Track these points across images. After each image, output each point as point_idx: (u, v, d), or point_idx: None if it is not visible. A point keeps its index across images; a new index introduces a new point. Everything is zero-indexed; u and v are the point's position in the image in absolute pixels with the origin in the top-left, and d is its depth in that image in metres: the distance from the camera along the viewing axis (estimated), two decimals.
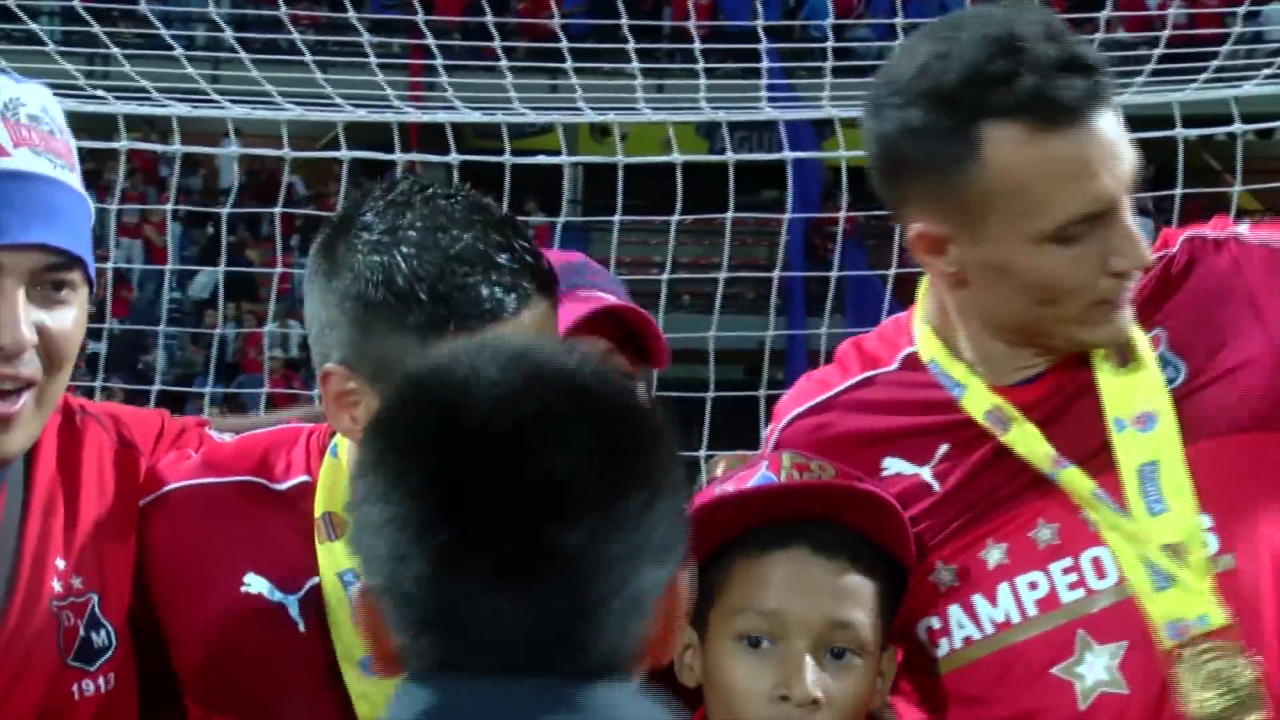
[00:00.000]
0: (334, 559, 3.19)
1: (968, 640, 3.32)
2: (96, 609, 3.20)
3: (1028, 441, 3.32)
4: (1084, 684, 3.21)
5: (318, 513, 3.23)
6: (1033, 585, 3.28)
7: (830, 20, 13.21)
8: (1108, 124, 3.13)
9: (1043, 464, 3.29)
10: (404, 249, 2.96)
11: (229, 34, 11.59)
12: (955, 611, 3.32)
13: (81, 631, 3.16)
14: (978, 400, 3.36)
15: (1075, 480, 3.30)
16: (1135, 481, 3.29)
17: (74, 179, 3.22)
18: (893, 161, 3.18)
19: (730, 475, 3.37)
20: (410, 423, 2.04)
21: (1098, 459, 3.30)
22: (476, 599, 1.96)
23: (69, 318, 3.09)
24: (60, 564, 3.18)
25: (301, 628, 3.16)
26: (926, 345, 3.41)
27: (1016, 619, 3.31)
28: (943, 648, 3.28)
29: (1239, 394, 3.25)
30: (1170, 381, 3.36)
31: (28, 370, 3.03)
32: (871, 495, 3.20)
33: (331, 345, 2.99)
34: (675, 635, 2.09)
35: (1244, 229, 3.50)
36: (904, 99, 3.11)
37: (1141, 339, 3.38)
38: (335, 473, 3.22)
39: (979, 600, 3.33)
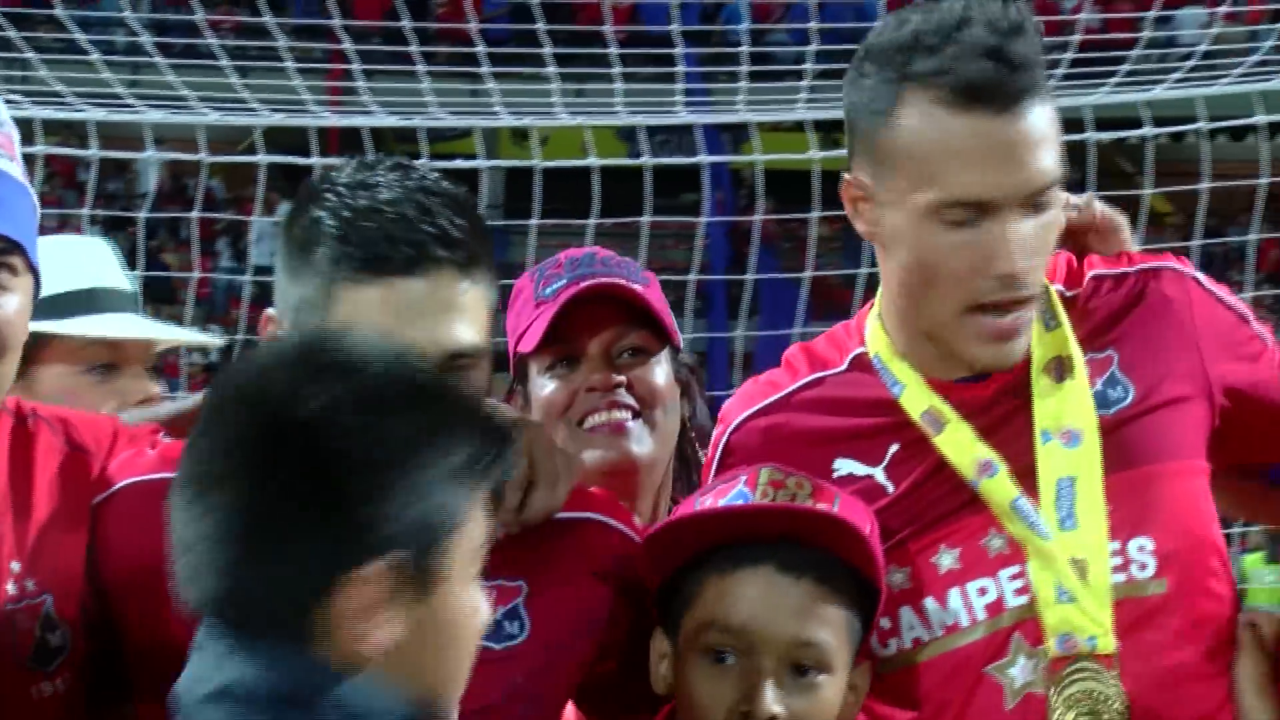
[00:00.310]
0: None
1: (916, 641, 3.36)
2: (51, 610, 3.22)
3: (957, 446, 3.37)
4: (1013, 685, 3.25)
5: None
6: (982, 591, 3.33)
7: (747, 25, 13.31)
8: (1022, 124, 3.17)
9: (967, 471, 3.34)
10: (332, 199, 3.04)
11: (147, 39, 11.50)
12: (906, 613, 3.35)
13: (37, 633, 3.18)
14: (915, 400, 3.41)
15: (995, 490, 3.32)
16: (1052, 494, 3.35)
17: (14, 169, 3.24)
18: (846, 110, 3.32)
19: (710, 488, 3.39)
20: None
21: (1032, 472, 3.36)
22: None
23: (10, 304, 3.13)
24: (15, 567, 3.20)
25: None
26: (874, 340, 3.45)
27: (965, 623, 3.35)
28: (891, 647, 3.33)
29: (1184, 423, 3.30)
30: (1119, 402, 3.41)
31: None
32: (838, 521, 3.19)
33: (275, 294, 3.12)
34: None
35: (1202, 276, 3.56)
36: (863, 52, 3.22)
37: (1079, 359, 3.44)
38: None
39: (930, 603, 3.37)
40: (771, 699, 3.06)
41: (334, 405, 2.42)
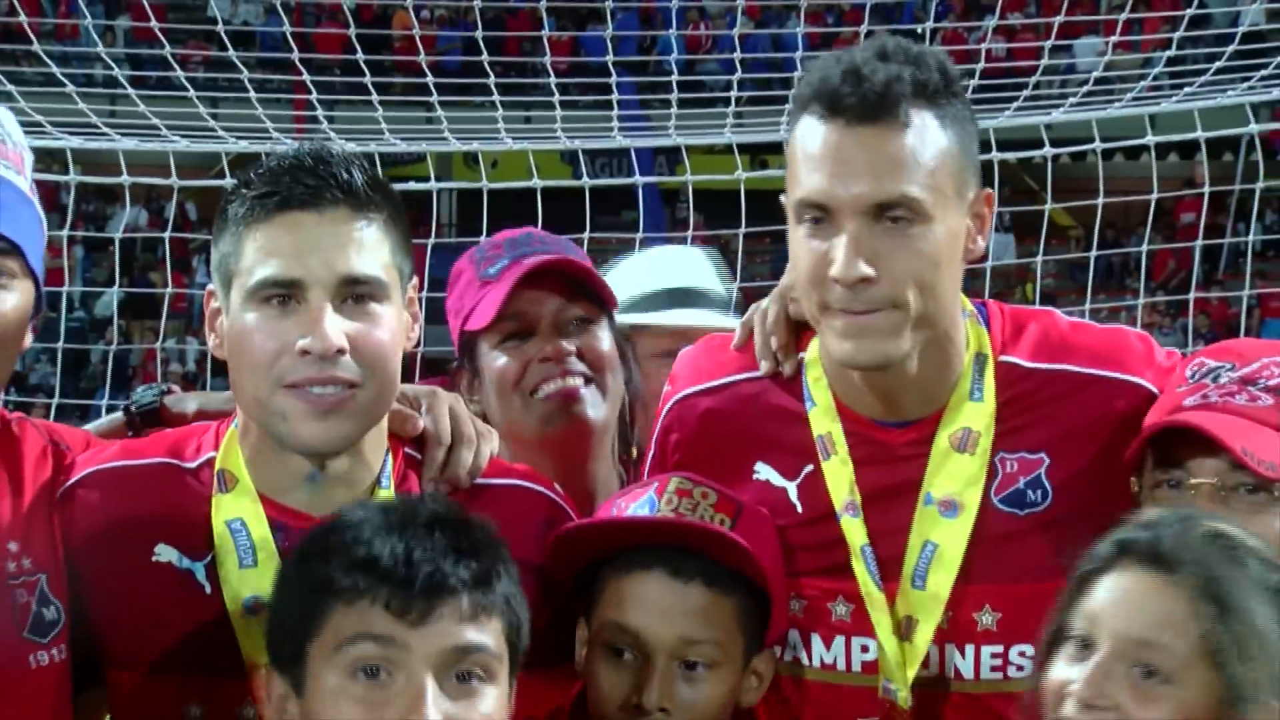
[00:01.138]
0: (223, 509, 3.33)
1: (796, 660, 3.48)
2: (45, 587, 3.32)
3: (835, 477, 3.43)
4: None
5: (215, 469, 3.37)
6: (864, 649, 3.42)
7: (678, 55, 13.46)
8: (875, 140, 3.16)
9: (836, 503, 3.41)
10: (256, 172, 3.24)
11: (121, 72, 11.60)
12: (794, 635, 3.46)
13: (34, 607, 3.28)
14: (818, 420, 3.46)
15: (851, 530, 3.39)
16: (915, 554, 3.39)
17: (20, 181, 3.36)
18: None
19: (625, 492, 3.51)
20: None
21: (906, 526, 3.39)
22: None
23: (9, 303, 3.23)
24: (13, 546, 3.29)
25: (208, 589, 3.29)
26: (813, 350, 3.48)
27: (841, 668, 3.45)
28: (778, 652, 3.44)
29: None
30: (1034, 506, 3.41)
31: None
32: (724, 539, 3.27)
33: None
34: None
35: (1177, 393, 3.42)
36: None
37: (988, 438, 3.41)
38: (232, 438, 3.37)
39: (816, 640, 3.47)
40: (658, 695, 3.22)
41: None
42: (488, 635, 2.86)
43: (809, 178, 3.22)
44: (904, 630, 3.43)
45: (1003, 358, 3.47)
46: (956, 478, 3.41)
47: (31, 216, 3.39)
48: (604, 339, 4.10)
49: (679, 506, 3.35)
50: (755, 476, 3.51)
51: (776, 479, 3.53)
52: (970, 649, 3.40)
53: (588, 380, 4.04)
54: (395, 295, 3.29)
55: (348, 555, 2.88)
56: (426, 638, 2.82)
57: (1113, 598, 3.04)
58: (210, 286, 3.29)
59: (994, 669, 3.41)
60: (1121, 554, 3.06)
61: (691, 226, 11.53)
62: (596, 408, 4.07)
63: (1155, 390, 3.44)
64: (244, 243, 3.19)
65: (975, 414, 3.42)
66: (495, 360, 3.96)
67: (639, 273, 4.97)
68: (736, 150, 11.05)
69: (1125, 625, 3.00)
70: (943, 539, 3.39)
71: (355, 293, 3.21)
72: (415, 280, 3.45)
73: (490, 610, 2.88)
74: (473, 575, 2.87)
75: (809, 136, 3.23)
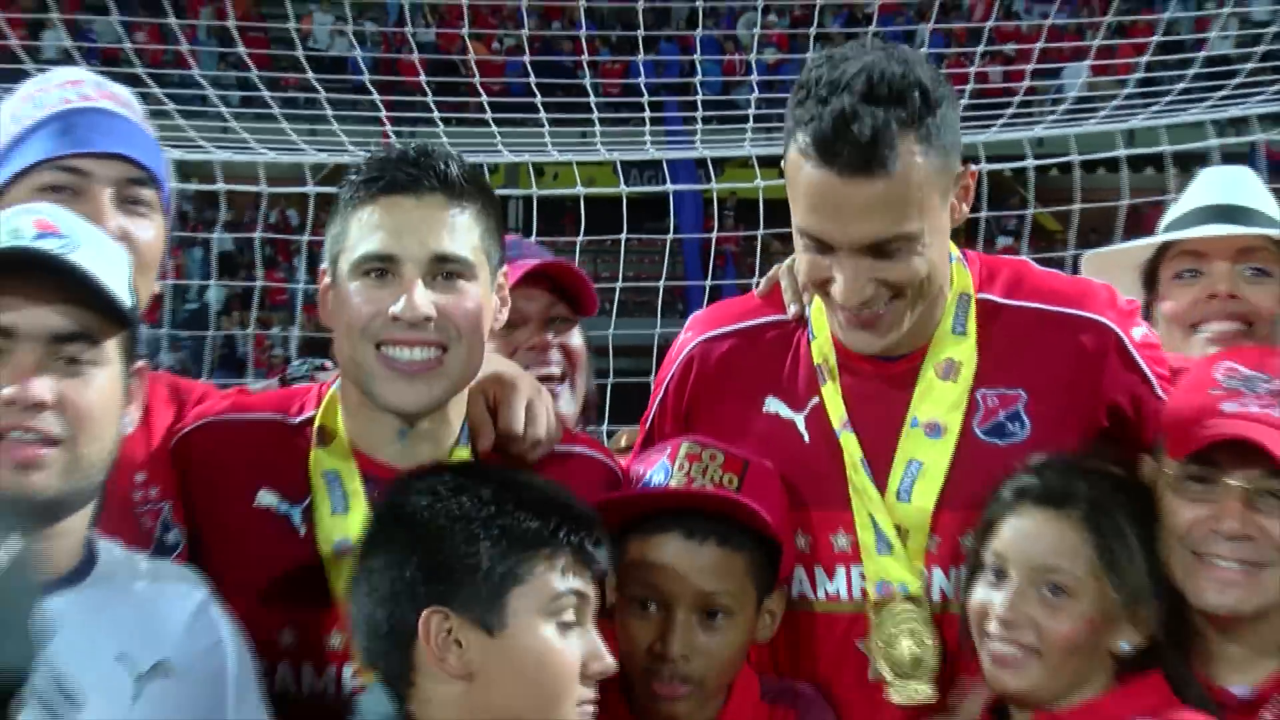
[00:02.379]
0: (321, 461, 3.41)
1: (803, 596, 3.49)
2: (168, 515, 3.43)
3: (833, 400, 3.49)
4: (874, 658, 3.41)
5: (315, 425, 3.42)
6: (864, 576, 3.45)
7: (719, 78, 14.07)
8: (862, 188, 3.15)
9: (835, 421, 3.47)
10: (365, 162, 3.38)
11: (242, 93, 12.03)
12: (800, 572, 3.46)
13: (158, 533, 3.39)
14: (819, 349, 3.51)
15: (849, 444, 3.44)
16: (900, 470, 3.44)
17: (149, 129, 3.53)
18: None
19: (643, 458, 3.53)
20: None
21: (893, 446, 3.44)
22: None
23: (150, 232, 3.38)
24: (140, 478, 3.39)
25: (302, 532, 3.36)
26: (816, 300, 3.47)
27: (844, 598, 3.47)
28: (790, 590, 3.45)
29: None
30: (1014, 436, 3.45)
31: None
32: (733, 501, 3.30)
33: None
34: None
35: (1139, 333, 3.55)
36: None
37: (970, 368, 3.47)
38: (333, 399, 3.44)
39: (820, 572, 3.49)
40: (680, 644, 3.28)
41: (430, 490, 2.96)
42: (585, 583, 2.96)
43: (807, 216, 3.27)
44: (889, 540, 3.47)
45: (981, 295, 3.53)
46: (941, 403, 3.48)
47: (159, 154, 3.55)
48: (579, 340, 4.20)
49: (690, 471, 3.41)
50: (765, 410, 3.55)
51: (785, 411, 3.58)
52: (953, 572, 3.43)
53: (563, 376, 4.13)
54: (483, 276, 3.34)
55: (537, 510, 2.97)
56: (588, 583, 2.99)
57: (1017, 535, 3.23)
58: (323, 265, 3.36)
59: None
60: (1019, 498, 3.26)
61: (716, 228, 12.01)
62: (568, 403, 4.14)
63: (1117, 329, 3.51)
64: (350, 222, 3.28)
65: (958, 347, 3.50)
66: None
67: (1189, 193, 4.51)
68: (757, 162, 11.33)
69: (1030, 556, 3.21)
70: (927, 457, 3.46)
71: (445, 270, 3.28)
72: (506, 268, 3.49)
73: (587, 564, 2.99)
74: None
75: (803, 176, 3.23)
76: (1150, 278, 4.29)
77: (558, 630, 2.89)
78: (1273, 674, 3.32)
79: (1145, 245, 4.34)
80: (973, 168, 3.38)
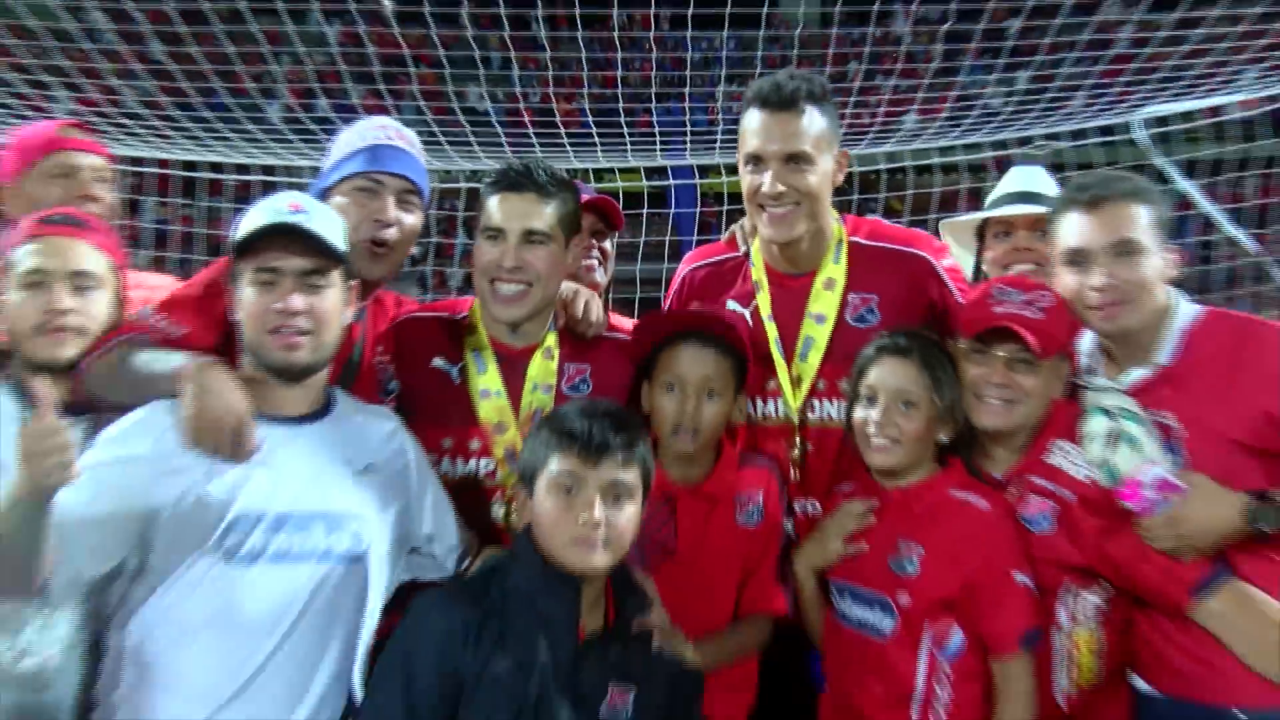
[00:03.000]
0: (468, 342, 4.26)
1: (750, 412, 4.30)
2: (391, 371, 4.20)
3: (763, 302, 4.32)
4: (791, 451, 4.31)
5: (468, 321, 4.26)
6: (779, 406, 4.41)
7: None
8: (781, 120, 4.11)
9: (764, 314, 4.33)
10: (496, 171, 4.05)
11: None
12: (748, 402, 4.27)
13: (384, 382, 4.18)
14: (756, 272, 4.36)
15: (772, 328, 4.30)
16: (801, 343, 4.26)
17: (421, 157, 4.26)
18: None
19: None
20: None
21: (797, 332, 4.26)
22: None
23: (413, 219, 4.25)
24: (379, 349, 4.18)
25: (457, 382, 4.17)
26: (756, 241, 4.31)
27: (774, 416, 4.37)
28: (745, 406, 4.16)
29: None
30: (867, 322, 4.27)
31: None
32: (724, 319, 4.10)
33: None
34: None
35: (946, 263, 4.40)
36: None
37: (841, 283, 4.32)
38: (476, 308, 4.25)
39: (759, 400, 4.38)
40: (691, 415, 4.03)
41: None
42: (631, 475, 3.49)
43: (750, 141, 4.09)
44: (796, 383, 4.29)
45: (851, 239, 4.32)
46: (825, 303, 4.23)
47: (427, 185, 4.17)
48: (609, 244, 5.08)
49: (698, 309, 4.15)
50: (727, 307, 4.30)
51: (738, 308, 4.29)
52: (831, 401, 4.28)
53: (601, 263, 5.04)
54: (558, 242, 4.11)
55: (563, 426, 3.55)
56: (597, 473, 3.49)
57: (883, 374, 3.98)
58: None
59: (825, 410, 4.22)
60: (880, 352, 4.01)
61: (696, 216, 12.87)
62: (601, 277, 5.08)
63: (932, 259, 4.31)
64: (484, 207, 3.98)
65: (836, 269, 4.27)
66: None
67: (1002, 182, 5.16)
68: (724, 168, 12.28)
69: (890, 385, 3.96)
70: (816, 334, 4.22)
71: (531, 239, 4.00)
72: (578, 238, 4.22)
73: (632, 462, 3.52)
74: (623, 441, 3.54)
75: (750, 119, 4.07)
76: (980, 236, 5.07)
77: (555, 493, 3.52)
78: (1015, 465, 4.02)
79: (977, 217, 4.98)
80: (848, 150, 4.15)
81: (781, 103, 4.15)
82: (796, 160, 4.17)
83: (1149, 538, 3.82)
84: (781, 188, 4.13)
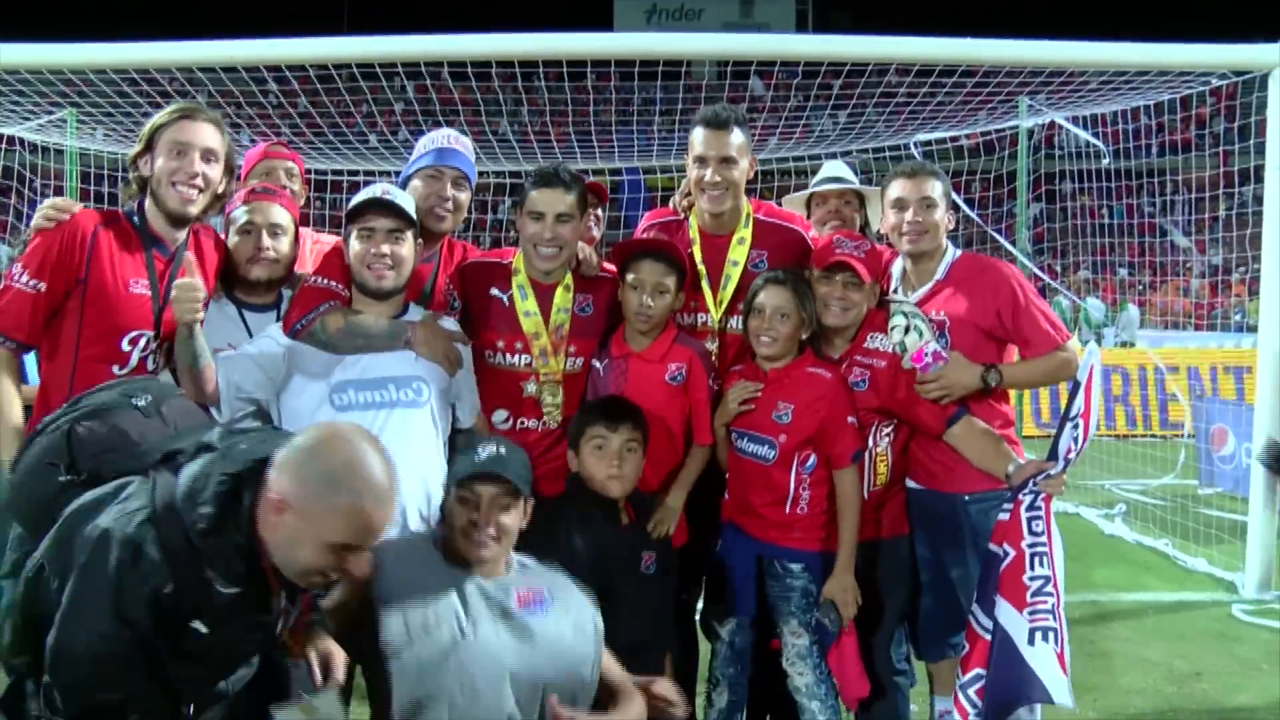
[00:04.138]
0: (514, 278, 5.25)
1: (698, 323, 5.40)
2: (455, 295, 5.25)
3: (695, 251, 5.46)
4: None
5: (513, 266, 5.31)
6: (705, 319, 5.50)
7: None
8: (719, 135, 5.20)
9: (697, 260, 5.45)
10: (534, 172, 4.91)
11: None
12: (685, 316, 5.37)
13: (451, 301, 5.23)
14: (692, 231, 5.60)
15: (702, 270, 5.47)
16: (720, 281, 5.44)
17: (471, 155, 5.25)
18: None
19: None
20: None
21: (721, 273, 5.33)
22: None
23: (465, 196, 5.27)
24: (447, 283, 5.28)
25: (506, 304, 5.22)
26: (693, 211, 5.45)
27: (701, 324, 5.47)
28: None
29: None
30: (759, 267, 5.46)
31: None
32: (675, 246, 5.16)
33: None
34: None
35: (811, 233, 5.67)
36: None
37: (748, 242, 5.48)
38: (519, 257, 5.26)
39: (696, 308, 5.51)
40: (648, 302, 5.02)
41: None
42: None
43: (697, 147, 5.29)
44: (719, 305, 5.48)
45: (755, 215, 5.53)
46: (737, 254, 5.39)
47: (473, 169, 5.13)
48: (600, 211, 6.13)
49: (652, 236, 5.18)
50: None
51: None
52: (735, 316, 5.43)
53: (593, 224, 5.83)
54: (577, 220, 5.19)
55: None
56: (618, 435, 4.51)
57: (768, 295, 5.03)
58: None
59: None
60: (766, 281, 5.06)
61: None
62: (595, 232, 6.11)
63: (801, 230, 5.57)
64: (527, 195, 5.09)
65: (745, 233, 5.45)
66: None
67: (821, 171, 6.27)
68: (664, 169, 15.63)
69: (772, 303, 4.95)
70: (731, 274, 5.43)
71: (561, 218, 5.08)
72: (590, 214, 5.36)
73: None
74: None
75: (697, 134, 5.29)
76: (808, 205, 6.41)
77: None
78: (846, 350, 5.19)
79: (806, 193, 6.24)
80: (755, 160, 5.23)
81: (719, 123, 5.30)
82: (727, 162, 5.34)
83: (923, 390, 5.11)
84: (718, 179, 5.26)
